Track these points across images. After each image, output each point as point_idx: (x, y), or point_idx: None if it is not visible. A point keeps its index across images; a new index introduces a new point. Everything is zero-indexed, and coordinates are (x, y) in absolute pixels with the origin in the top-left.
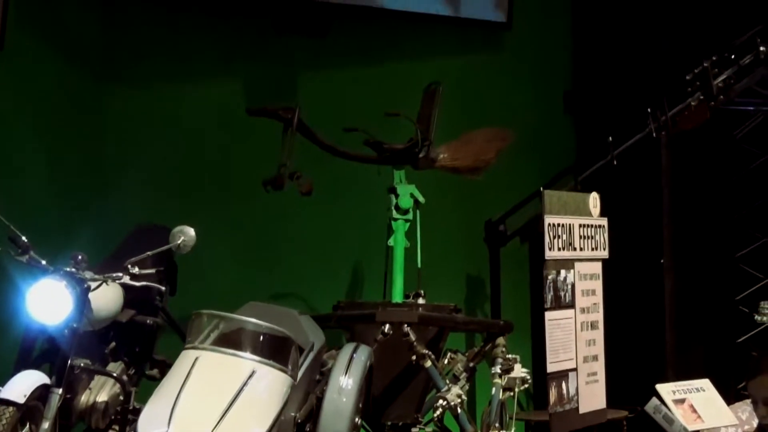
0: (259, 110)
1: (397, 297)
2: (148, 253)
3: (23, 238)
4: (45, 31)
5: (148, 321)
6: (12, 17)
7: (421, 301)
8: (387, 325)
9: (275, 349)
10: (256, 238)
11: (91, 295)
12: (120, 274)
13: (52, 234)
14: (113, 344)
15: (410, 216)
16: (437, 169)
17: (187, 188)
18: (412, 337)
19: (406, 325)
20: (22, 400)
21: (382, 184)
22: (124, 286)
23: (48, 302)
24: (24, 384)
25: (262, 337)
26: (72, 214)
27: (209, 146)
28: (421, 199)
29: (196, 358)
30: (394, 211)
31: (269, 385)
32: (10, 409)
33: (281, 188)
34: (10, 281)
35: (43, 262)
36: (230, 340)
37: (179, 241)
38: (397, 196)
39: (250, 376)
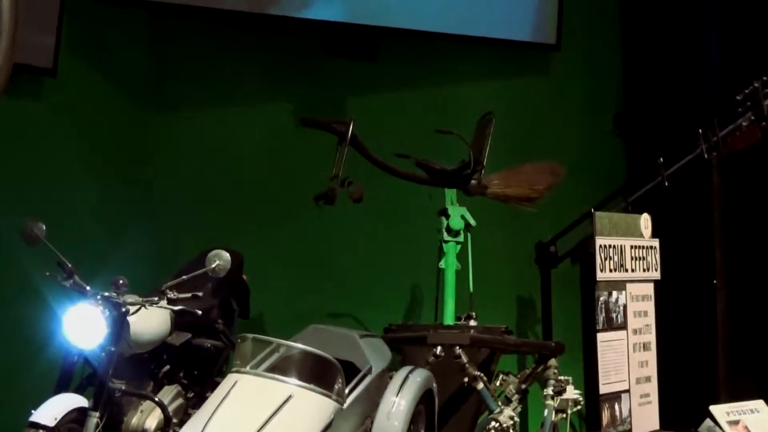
0: (312, 121)
1: (449, 319)
2: (184, 277)
3: (68, 263)
4: (94, 58)
5: (207, 344)
6: (65, 45)
7: (472, 323)
8: (439, 347)
9: (317, 373)
10: (306, 260)
11: (132, 318)
12: (156, 299)
13: (100, 258)
14: (167, 367)
15: (461, 238)
16: (488, 197)
17: (237, 211)
18: (464, 359)
19: (457, 347)
20: (52, 423)
21: (432, 207)
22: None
23: (83, 326)
24: (56, 407)
25: (303, 361)
26: (120, 238)
27: (258, 169)
28: (472, 222)
29: (236, 382)
30: (445, 234)
31: (308, 410)
32: None
33: (333, 202)
34: (52, 306)
35: (88, 287)
36: (272, 364)
37: (214, 265)
38: (447, 217)
39: (287, 400)
